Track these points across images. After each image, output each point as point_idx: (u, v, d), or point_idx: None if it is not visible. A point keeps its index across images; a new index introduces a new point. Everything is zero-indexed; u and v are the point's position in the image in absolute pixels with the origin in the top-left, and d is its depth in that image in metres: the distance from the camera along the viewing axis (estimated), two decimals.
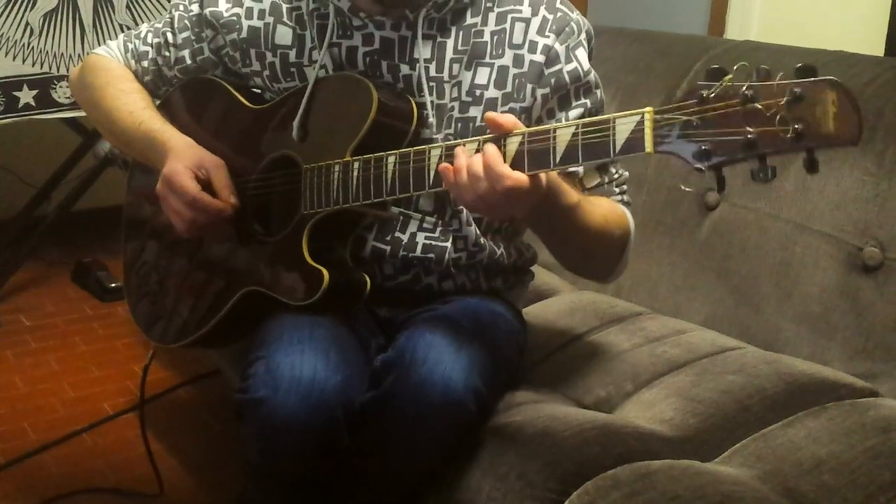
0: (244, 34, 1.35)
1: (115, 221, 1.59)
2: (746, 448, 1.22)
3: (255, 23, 1.34)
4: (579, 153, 1.01)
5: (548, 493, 1.12)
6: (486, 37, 1.27)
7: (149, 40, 1.44)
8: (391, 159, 1.16)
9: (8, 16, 2.25)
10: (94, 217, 2.87)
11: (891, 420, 1.26)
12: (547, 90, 1.26)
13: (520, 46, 1.26)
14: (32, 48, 2.31)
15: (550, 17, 1.26)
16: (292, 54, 1.33)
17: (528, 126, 1.07)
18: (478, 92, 1.27)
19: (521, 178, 1.03)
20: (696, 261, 1.67)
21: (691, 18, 3.07)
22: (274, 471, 1.19)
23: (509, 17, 1.27)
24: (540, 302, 1.66)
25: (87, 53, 1.52)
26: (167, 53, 1.42)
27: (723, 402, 1.30)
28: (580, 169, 1.26)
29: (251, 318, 1.29)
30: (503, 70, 1.26)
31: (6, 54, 2.28)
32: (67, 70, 2.34)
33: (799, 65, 0.87)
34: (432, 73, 1.27)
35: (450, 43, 1.27)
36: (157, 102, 1.47)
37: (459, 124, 1.27)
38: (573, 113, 1.27)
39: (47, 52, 2.32)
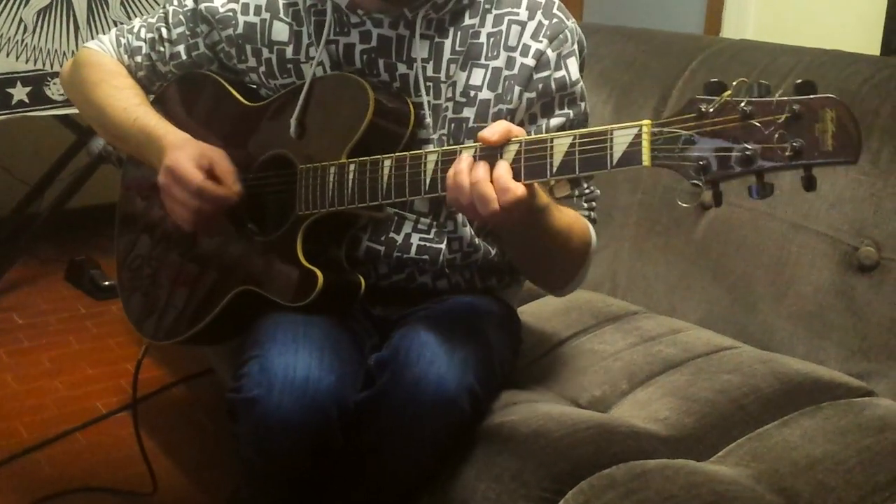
0: (240, 30, 1.34)
1: (109, 219, 1.58)
2: (742, 447, 1.22)
3: (252, 18, 1.33)
4: (576, 164, 1.01)
5: (543, 493, 1.12)
6: (483, 38, 1.27)
7: (142, 35, 1.44)
8: (387, 163, 1.15)
9: (1, 12, 2.24)
10: (88, 215, 2.86)
11: (886, 419, 1.26)
12: (533, 94, 1.26)
13: (513, 49, 1.26)
14: (26, 45, 2.30)
15: (546, 22, 1.26)
16: (289, 51, 1.32)
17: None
18: (472, 93, 1.27)
19: (523, 190, 1.03)
20: (692, 260, 1.67)
21: (687, 17, 3.07)
22: (267, 470, 1.18)
23: (506, 19, 1.27)
24: (535, 301, 1.66)
25: (80, 48, 1.51)
26: (162, 49, 1.42)
27: (718, 401, 1.30)
28: None
29: (245, 317, 1.28)
30: (496, 71, 1.26)
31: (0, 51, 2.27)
32: (61, 67, 2.33)
33: (799, 80, 0.87)
34: (429, 72, 1.27)
35: (447, 43, 1.27)
36: (151, 98, 1.46)
37: (453, 125, 1.27)
38: (554, 122, 1.27)
39: (41, 49, 2.32)
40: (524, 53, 1.26)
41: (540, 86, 1.26)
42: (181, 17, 1.39)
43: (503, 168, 1.04)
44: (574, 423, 1.21)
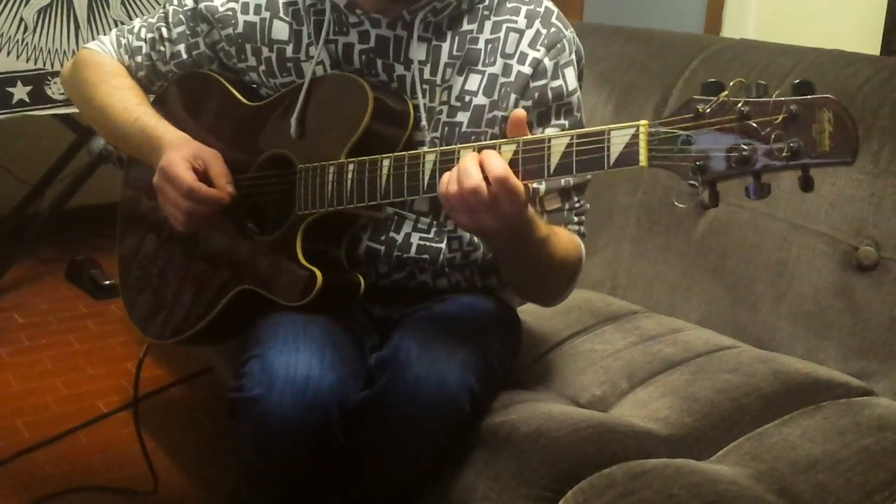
0: (240, 29, 1.34)
1: (110, 219, 1.58)
2: (741, 447, 1.22)
3: (251, 18, 1.34)
4: (573, 165, 1.01)
5: (542, 493, 1.12)
6: (481, 44, 1.27)
7: (142, 35, 1.44)
8: (386, 162, 1.15)
9: (1, 11, 2.24)
10: (88, 214, 2.86)
11: (886, 419, 1.26)
12: (529, 103, 1.26)
13: (510, 56, 1.26)
14: (26, 44, 2.30)
15: (544, 31, 1.27)
16: (289, 49, 1.32)
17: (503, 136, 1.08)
18: (467, 98, 1.27)
19: (518, 183, 1.03)
20: (692, 260, 1.67)
21: (687, 17, 3.07)
22: (268, 469, 1.18)
23: (504, 26, 1.27)
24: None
25: (80, 48, 1.51)
26: (162, 48, 1.42)
27: (718, 400, 1.30)
28: (541, 188, 1.26)
29: (245, 317, 1.28)
30: (493, 78, 1.27)
31: (0, 50, 2.27)
32: (62, 66, 2.33)
33: (797, 81, 0.87)
34: (426, 75, 1.27)
35: (445, 47, 1.27)
36: (152, 98, 1.46)
37: (446, 128, 1.27)
38: (550, 131, 1.27)
39: (41, 48, 2.32)
40: (521, 61, 1.26)
41: (536, 94, 1.26)
42: (181, 16, 1.39)
43: (494, 156, 1.03)
44: (574, 422, 1.21)
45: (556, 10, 1.30)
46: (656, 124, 0.95)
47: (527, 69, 1.26)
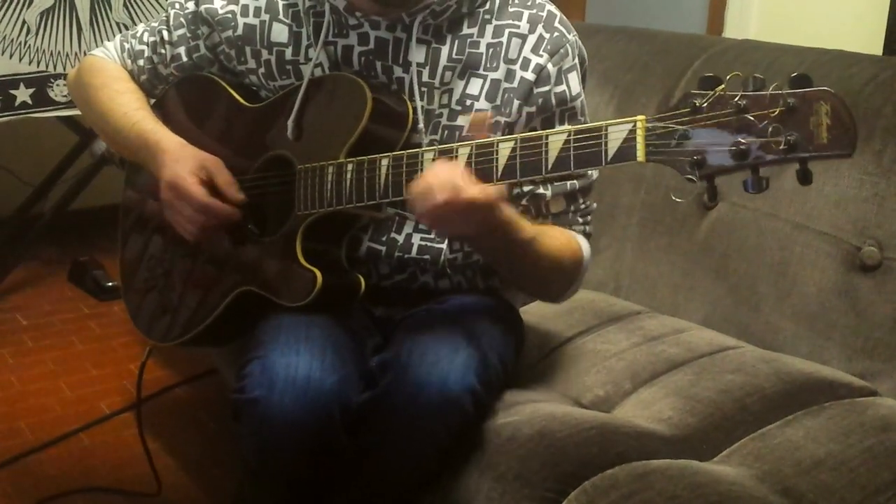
0: (239, 31, 1.34)
1: (112, 220, 1.58)
2: (745, 447, 1.22)
3: (251, 20, 1.34)
4: (571, 161, 1.01)
5: (546, 494, 1.12)
6: (482, 48, 1.27)
7: (145, 39, 1.44)
8: (384, 162, 1.15)
9: (4, 14, 2.25)
10: (91, 216, 2.86)
11: (889, 419, 1.26)
12: (533, 109, 1.26)
13: (513, 62, 1.26)
14: (29, 46, 2.30)
15: (547, 36, 1.26)
16: (288, 52, 1.32)
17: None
18: (468, 102, 1.27)
19: (483, 191, 1.05)
20: (695, 260, 1.67)
21: (690, 17, 3.07)
22: (270, 470, 1.18)
23: (506, 31, 1.27)
24: (537, 301, 1.66)
25: (85, 53, 1.52)
26: (163, 51, 1.42)
27: (721, 401, 1.30)
28: (547, 193, 1.27)
29: (246, 318, 1.28)
30: (495, 83, 1.26)
31: (2, 52, 2.27)
32: (64, 68, 2.33)
33: (794, 74, 0.87)
34: (424, 78, 1.27)
35: (444, 50, 1.27)
36: (153, 101, 1.47)
37: (446, 131, 1.27)
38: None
39: (44, 51, 2.32)
40: (524, 67, 1.26)
41: (540, 100, 1.26)
42: (182, 19, 1.39)
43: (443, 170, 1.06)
44: (577, 423, 1.21)
45: (558, 13, 1.30)
46: (653, 119, 0.95)
47: (530, 75, 1.26)
